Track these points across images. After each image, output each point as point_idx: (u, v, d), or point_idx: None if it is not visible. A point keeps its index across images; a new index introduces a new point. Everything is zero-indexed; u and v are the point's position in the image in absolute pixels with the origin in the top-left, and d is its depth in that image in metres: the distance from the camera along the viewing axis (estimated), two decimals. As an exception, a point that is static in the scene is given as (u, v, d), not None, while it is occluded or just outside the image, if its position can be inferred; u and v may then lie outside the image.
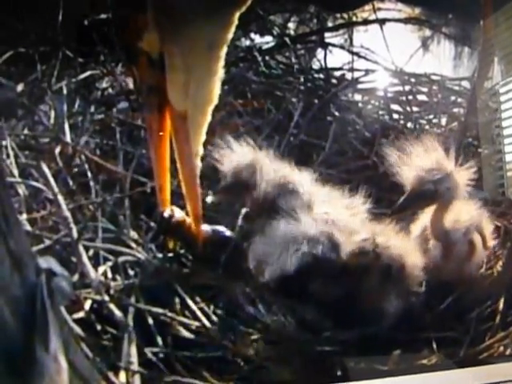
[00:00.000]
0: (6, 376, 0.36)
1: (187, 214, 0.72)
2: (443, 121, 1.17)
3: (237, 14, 0.62)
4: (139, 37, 0.61)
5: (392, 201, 0.89)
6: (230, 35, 0.63)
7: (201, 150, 0.68)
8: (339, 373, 0.62)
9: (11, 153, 0.82)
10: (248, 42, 1.21)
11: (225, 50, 0.63)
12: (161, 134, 0.67)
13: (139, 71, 0.64)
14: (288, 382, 0.61)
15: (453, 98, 1.21)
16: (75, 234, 0.69)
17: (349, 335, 0.65)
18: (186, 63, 0.62)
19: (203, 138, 0.67)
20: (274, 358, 0.63)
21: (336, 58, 1.24)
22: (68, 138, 0.90)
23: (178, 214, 0.73)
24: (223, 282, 0.70)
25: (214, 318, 0.67)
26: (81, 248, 0.68)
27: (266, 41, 1.26)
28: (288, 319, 0.67)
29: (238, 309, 0.68)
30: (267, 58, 1.21)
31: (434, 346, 0.66)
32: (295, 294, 0.69)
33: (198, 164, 0.68)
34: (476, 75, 1.07)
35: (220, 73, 0.64)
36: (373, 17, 1.26)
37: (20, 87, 0.90)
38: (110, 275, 0.69)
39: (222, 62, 0.64)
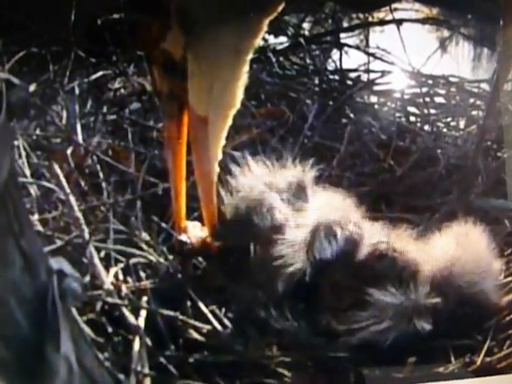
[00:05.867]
0: (16, 377, 0.36)
1: (201, 217, 0.71)
2: (461, 123, 1.15)
3: (266, 21, 0.62)
4: (162, 37, 0.60)
5: (408, 205, 0.88)
6: (258, 41, 0.62)
7: (220, 155, 0.67)
8: (353, 379, 0.61)
9: (23, 153, 0.82)
10: (262, 43, 1.20)
11: (251, 54, 0.63)
12: (179, 140, 0.66)
13: (160, 73, 0.63)
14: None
15: (471, 100, 1.18)
16: (87, 235, 0.69)
17: (363, 341, 0.64)
18: (210, 67, 0.62)
19: (223, 142, 0.67)
20: (286, 363, 0.62)
21: (351, 59, 1.22)
22: (80, 139, 0.90)
23: (198, 232, 0.71)
24: (235, 286, 0.69)
25: (226, 321, 0.66)
26: (92, 249, 0.68)
27: (281, 41, 1.25)
28: (301, 324, 0.66)
29: (250, 313, 0.67)
30: (281, 58, 1.20)
31: (451, 354, 0.64)
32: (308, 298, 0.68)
33: (216, 169, 0.68)
34: (495, 77, 1.05)
35: (244, 77, 0.64)
36: (389, 17, 1.23)
37: (32, 87, 0.90)
38: (121, 277, 0.69)
39: (246, 67, 0.63)
